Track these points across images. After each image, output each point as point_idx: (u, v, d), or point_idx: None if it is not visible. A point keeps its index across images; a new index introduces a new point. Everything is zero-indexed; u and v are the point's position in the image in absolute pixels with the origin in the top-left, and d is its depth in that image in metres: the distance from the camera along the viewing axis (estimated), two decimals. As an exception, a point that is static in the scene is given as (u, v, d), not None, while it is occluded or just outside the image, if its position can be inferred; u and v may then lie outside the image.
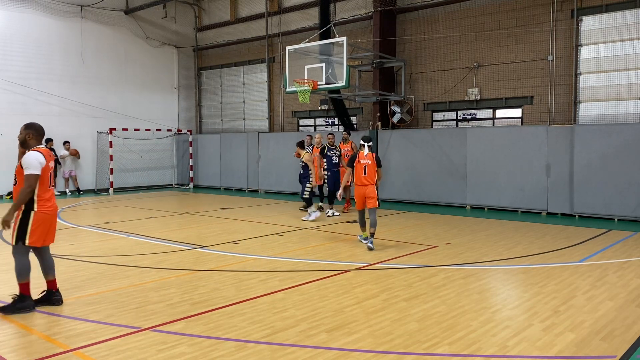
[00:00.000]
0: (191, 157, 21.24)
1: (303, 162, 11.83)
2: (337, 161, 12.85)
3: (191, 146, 21.27)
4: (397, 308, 5.44)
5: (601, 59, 12.65)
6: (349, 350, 4.33)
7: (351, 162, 9.09)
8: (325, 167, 12.77)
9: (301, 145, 11.92)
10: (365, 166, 8.79)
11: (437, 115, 15.64)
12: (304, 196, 11.81)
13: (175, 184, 21.62)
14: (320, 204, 13.25)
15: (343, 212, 12.88)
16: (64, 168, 18.11)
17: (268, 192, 18.28)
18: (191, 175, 21.23)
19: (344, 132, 13.98)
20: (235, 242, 9.17)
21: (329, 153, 12.85)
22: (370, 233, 8.59)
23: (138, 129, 19.82)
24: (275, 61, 19.58)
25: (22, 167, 5.29)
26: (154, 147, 20.80)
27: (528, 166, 12.77)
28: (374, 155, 8.89)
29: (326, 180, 12.80)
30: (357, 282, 6.47)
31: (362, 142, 8.95)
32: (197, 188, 20.83)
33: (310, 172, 11.67)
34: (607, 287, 6.20)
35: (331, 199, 12.61)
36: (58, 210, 6.25)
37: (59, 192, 18.08)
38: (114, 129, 19.01)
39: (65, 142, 18.07)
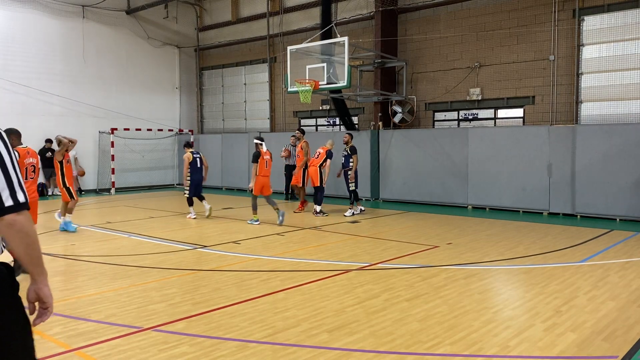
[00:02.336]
0: (192, 157, 21.24)
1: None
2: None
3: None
4: (398, 308, 5.44)
5: (603, 59, 12.63)
6: (350, 350, 4.33)
7: (255, 158, 11.22)
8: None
9: (187, 145, 12.63)
10: (266, 161, 11.31)
11: (439, 115, 15.63)
12: (185, 195, 12.32)
13: (176, 184, 21.62)
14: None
15: (294, 212, 12.88)
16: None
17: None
18: (192, 175, 21.23)
19: (296, 132, 13.84)
20: (237, 242, 9.17)
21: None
22: (277, 209, 11.26)
23: (140, 129, 19.85)
24: (277, 61, 19.58)
25: None
26: (155, 147, 20.82)
27: (530, 166, 12.75)
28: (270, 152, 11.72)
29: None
30: (359, 282, 6.47)
31: (257, 141, 11.41)
32: (199, 188, 20.81)
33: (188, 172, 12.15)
34: (608, 287, 6.19)
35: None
36: (38, 198, 7.98)
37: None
38: (116, 129, 19.03)
39: None
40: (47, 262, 2.29)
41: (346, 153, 12.64)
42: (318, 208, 12.55)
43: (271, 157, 11.54)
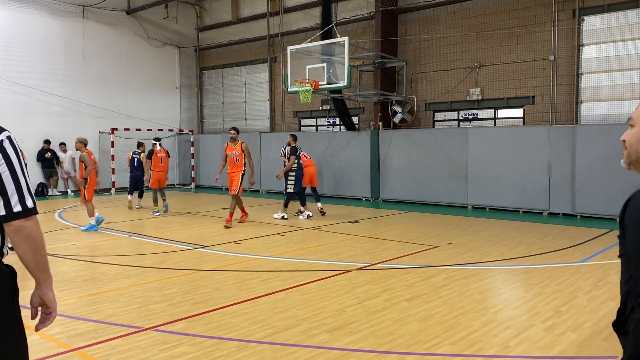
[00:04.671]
0: (193, 157, 21.26)
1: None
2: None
3: (193, 146, 21.28)
4: (398, 308, 5.44)
5: (603, 59, 12.62)
6: (350, 350, 4.33)
7: (149, 155, 13.11)
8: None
9: (137, 145, 14.28)
10: (161, 158, 13.09)
11: (439, 115, 15.63)
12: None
13: (177, 184, 21.63)
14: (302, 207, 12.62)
15: (226, 226, 10.94)
16: (63, 169, 18.14)
17: (269, 192, 18.27)
18: (193, 175, 21.25)
19: (231, 132, 11.46)
20: (237, 242, 9.17)
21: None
22: (164, 199, 13.01)
23: (140, 129, 19.83)
24: (277, 61, 19.58)
25: None
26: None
27: (530, 166, 12.76)
28: (165, 150, 13.50)
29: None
30: (359, 282, 6.47)
31: (153, 141, 13.34)
32: (199, 188, 20.84)
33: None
34: (608, 287, 6.19)
35: (291, 198, 12.33)
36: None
37: (59, 192, 18.11)
38: (116, 129, 19.03)
39: (62, 144, 18.07)
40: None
41: (288, 155, 12.33)
42: (320, 204, 12.46)
43: (167, 155, 13.40)
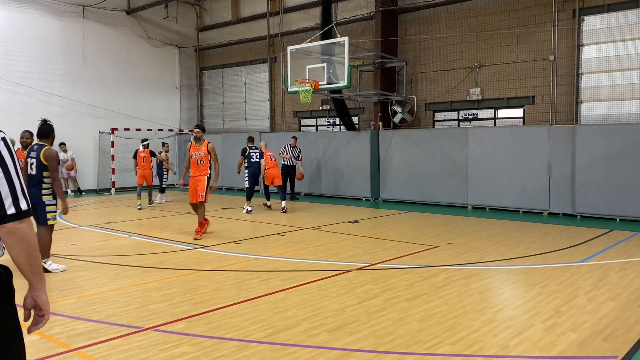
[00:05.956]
0: (193, 157, 21.25)
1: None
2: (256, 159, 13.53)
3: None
4: (398, 308, 5.44)
5: (603, 59, 12.63)
6: (350, 350, 4.33)
7: (134, 155, 14.18)
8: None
9: (162, 145, 15.79)
10: (143, 157, 14.02)
11: (439, 115, 15.63)
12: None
13: (176, 184, 21.62)
14: (269, 202, 13.91)
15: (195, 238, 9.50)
16: (63, 169, 18.12)
17: (269, 192, 18.23)
18: (193, 175, 21.24)
19: (196, 130, 9.91)
20: (237, 242, 9.17)
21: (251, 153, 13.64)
22: (150, 201, 14.40)
23: (140, 129, 19.84)
24: (277, 61, 19.59)
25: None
26: (156, 147, 20.78)
27: (530, 166, 12.76)
28: (148, 150, 14.40)
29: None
30: (359, 282, 6.47)
31: (141, 142, 14.43)
32: (199, 188, 20.81)
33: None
34: (608, 287, 6.19)
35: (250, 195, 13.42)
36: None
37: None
38: (116, 129, 19.03)
39: (62, 144, 18.04)
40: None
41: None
42: (284, 203, 13.30)
43: (149, 155, 14.28)
